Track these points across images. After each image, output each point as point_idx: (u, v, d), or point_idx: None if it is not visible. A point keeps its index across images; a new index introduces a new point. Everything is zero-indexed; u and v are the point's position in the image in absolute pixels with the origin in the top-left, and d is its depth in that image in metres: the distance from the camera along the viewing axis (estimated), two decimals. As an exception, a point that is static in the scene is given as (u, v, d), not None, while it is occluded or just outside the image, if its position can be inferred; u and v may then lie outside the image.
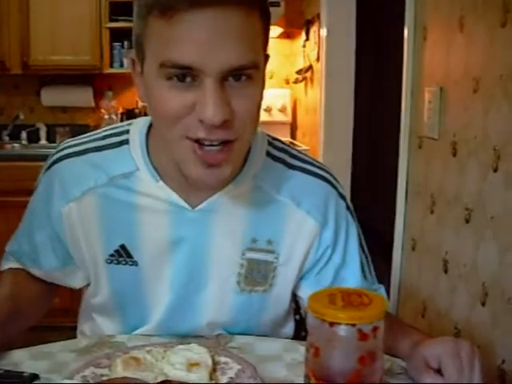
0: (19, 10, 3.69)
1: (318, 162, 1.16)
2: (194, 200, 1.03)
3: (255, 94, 0.89)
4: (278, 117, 4.00)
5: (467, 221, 1.65)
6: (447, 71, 1.82)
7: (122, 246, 1.06)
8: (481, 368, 0.88)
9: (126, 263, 1.07)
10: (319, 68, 3.24)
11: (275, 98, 4.03)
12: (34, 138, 4.04)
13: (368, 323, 0.76)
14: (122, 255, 1.06)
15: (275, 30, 3.88)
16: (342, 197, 1.14)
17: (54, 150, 1.14)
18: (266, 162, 1.07)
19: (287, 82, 4.19)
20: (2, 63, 3.74)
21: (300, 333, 1.42)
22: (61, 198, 1.07)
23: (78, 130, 3.93)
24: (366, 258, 1.17)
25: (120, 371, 0.90)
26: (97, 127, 3.97)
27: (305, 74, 3.62)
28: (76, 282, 1.17)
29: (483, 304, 1.55)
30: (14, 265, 1.18)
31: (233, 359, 0.97)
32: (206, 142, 0.88)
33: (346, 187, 3.04)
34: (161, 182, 1.03)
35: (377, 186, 4.13)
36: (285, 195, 1.07)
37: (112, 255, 1.07)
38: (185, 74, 0.84)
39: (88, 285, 1.17)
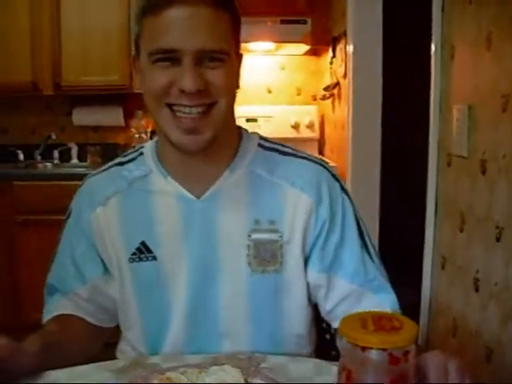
0: (51, 32, 3.78)
1: (311, 155, 1.25)
2: (198, 191, 1.15)
3: (227, 73, 1.05)
4: (305, 133, 4.01)
5: (498, 239, 1.65)
6: (475, 89, 1.82)
7: (143, 243, 1.16)
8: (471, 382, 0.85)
9: (147, 259, 1.16)
10: (346, 84, 3.25)
11: (303, 114, 4.05)
12: (65, 157, 4.12)
13: (399, 348, 0.77)
14: (143, 252, 1.16)
15: (302, 48, 3.91)
16: (336, 179, 1.21)
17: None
18: (258, 152, 1.19)
19: (314, 99, 4.20)
20: (35, 85, 3.82)
21: (330, 352, 1.43)
22: (89, 206, 1.20)
23: (109, 148, 4.02)
24: (366, 245, 1.20)
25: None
26: (127, 146, 4.06)
27: (332, 90, 3.63)
28: (111, 298, 1.23)
29: (515, 323, 1.54)
30: (63, 305, 1.23)
31: (266, 381, 0.98)
32: (187, 110, 1.04)
33: (375, 203, 3.08)
34: (169, 178, 1.16)
35: (406, 202, 4.11)
36: (278, 177, 1.17)
37: (134, 253, 1.17)
38: (168, 58, 1.02)
39: None
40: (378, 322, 0.80)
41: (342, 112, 3.46)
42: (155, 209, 1.17)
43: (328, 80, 3.77)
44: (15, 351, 0.97)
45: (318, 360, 1.15)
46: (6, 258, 3.55)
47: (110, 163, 1.25)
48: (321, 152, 4.11)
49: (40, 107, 4.18)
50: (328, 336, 1.45)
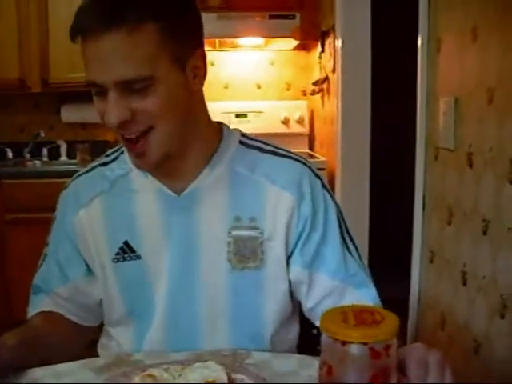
0: (39, 30, 3.76)
1: (292, 152, 1.24)
2: (178, 188, 1.14)
3: (159, 97, 1.00)
4: (295, 128, 4.01)
5: (485, 232, 1.64)
6: (462, 82, 1.81)
7: (126, 243, 1.16)
8: (452, 377, 0.84)
9: (131, 258, 1.16)
10: (335, 79, 3.25)
11: (292, 109, 4.05)
12: (54, 154, 4.11)
13: (380, 341, 0.76)
14: (127, 251, 1.16)
15: (291, 43, 3.90)
16: (317, 176, 1.20)
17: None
18: (239, 149, 1.18)
19: (304, 94, 4.19)
20: (23, 82, 3.81)
21: (316, 347, 1.42)
22: (72, 209, 1.20)
23: (98, 146, 4.00)
24: (347, 241, 1.20)
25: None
26: (116, 143, 4.01)
27: (321, 85, 3.62)
28: (94, 297, 1.24)
29: (502, 316, 1.54)
30: (45, 304, 1.23)
31: (249, 376, 0.98)
32: (127, 137, 1.04)
33: (364, 198, 3.08)
34: (150, 177, 1.15)
35: (395, 197, 4.12)
36: (259, 175, 1.16)
37: (117, 253, 1.16)
38: (99, 91, 1.01)
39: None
40: (359, 315, 0.79)
41: (331, 107, 3.45)
42: (137, 207, 1.16)
43: (317, 75, 3.76)
44: None
45: (302, 355, 1.14)
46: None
47: (94, 163, 1.25)
48: (311, 147, 4.11)
49: (28, 105, 4.17)
50: (315, 331, 1.45)
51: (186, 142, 1.11)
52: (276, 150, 1.21)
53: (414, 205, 2.16)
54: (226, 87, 4.19)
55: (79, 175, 1.25)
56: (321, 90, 3.69)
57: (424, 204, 2.12)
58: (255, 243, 1.14)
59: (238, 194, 1.15)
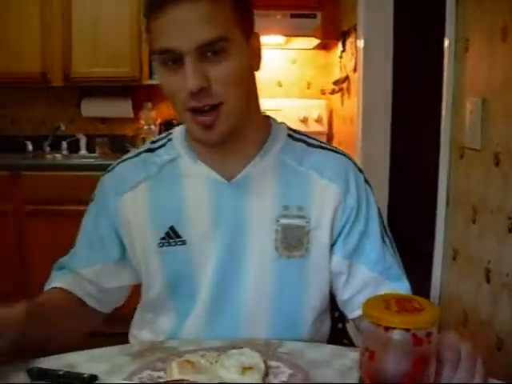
0: (62, 23, 3.80)
1: (335, 146, 1.28)
2: (228, 174, 1.16)
3: (232, 63, 1.04)
4: (314, 127, 4.01)
5: (510, 230, 1.65)
6: (490, 82, 1.82)
7: (172, 228, 1.17)
8: (483, 368, 0.86)
9: (176, 244, 1.17)
10: (356, 79, 3.25)
11: (312, 108, 4.06)
12: (74, 148, 4.13)
13: (422, 328, 0.78)
14: (172, 237, 1.17)
15: (311, 42, 3.91)
16: (360, 170, 1.24)
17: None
18: (287, 141, 1.21)
19: (323, 93, 4.20)
20: (44, 75, 3.84)
21: (342, 341, 1.44)
22: (116, 192, 1.21)
23: (117, 140, 4.03)
24: (384, 234, 1.22)
25: (176, 374, 0.93)
26: (135, 138, 4.07)
27: (341, 84, 3.63)
28: (120, 280, 1.26)
29: (527, 314, 1.55)
30: (63, 280, 1.24)
31: (284, 363, 0.99)
32: (197, 108, 1.05)
33: (384, 197, 3.08)
34: (199, 162, 1.18)
35: (415, 196, 4.11)
36: (308, 167, 1.19)
37: (163, 238, 1.17)
38: (172, 59, 1.03)
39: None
40: (401, 303, 0.81)
41: (351, 106, 3.46)
42: (184, 192, 1.18)
43: (337, 74, 3.77)
44: None
45: (334, 346, 1.16)
46: (16, 247, 3.56)
47: (140, 149, 1.26)
48: (329, 146, 4.11)
49: (49, 98, 4.20)
50: (340, 325, 1.47)
51: (245, 123, 1.14)
52: (321, 144, 1.25)
53: (437, 203, 2.16)
54: (247, 85, 4.20)
55: (124, 160, 1.26)
56: (341, 90, 3.70)
57: (447, 202, 2.12)
58: (302, 232, 1.17)
59: (287, 183, 1.17)
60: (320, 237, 1.18)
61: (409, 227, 3.87)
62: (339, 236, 1.19)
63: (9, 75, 3.77)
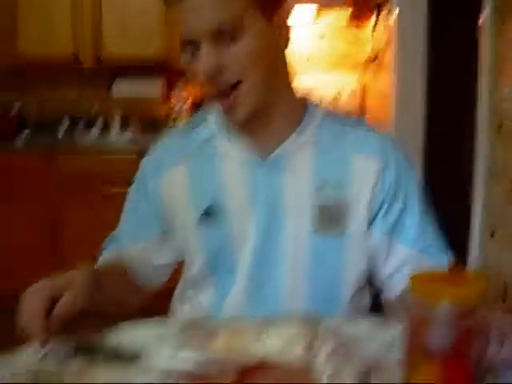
0: (92, 4, 3.81)
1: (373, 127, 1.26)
2: (263, 152, 1.17)
3: (248, 43, 1.04)
4: (346, 103, 4.00)
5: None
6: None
7: (210, 206, 1.18)
8: None
9: (215, 221, 1.18)
10: (390, 53, 3.21)
11: (344, 83, 4.05)
12: (106, 129, 4.16)
13: (469, 302, 0.77)
14: (211, 214, 1.18)
15: (342, 18, 3.87)
16: (400, 149, 1.22)
17: None
18: (324, 119, 1.20)
19: (355, 68, 4.16)
20: (76, 57, 3.87)
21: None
22: (158, 171, 1.24)
23: (149, 120, 4.05)
24: (425, 211, 1.20)
25: (222, 346, 0.94)
26: (167, 118, 4.08)
27: (374, 59, 3.59)
28: (165, 257, 1.29)
29: None
30: (112, 257, 1.27)
31: (326, 337, 0.99)
32: (218, 90, 1.07)
33: (417, 172, 3.05)
34: (233, 140, 1.19)
35: (451, 172, 4.06)
36: (345, 144, 1.18)
37: (202, 216, 1.19)
38: (193, 47, 1.05)
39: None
40: (449, 276, 0.80)
41: (384, 81, 3.43)
42: (221, 171, 1.19)
43: (369, 50, 3.73)
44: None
45: (374, 319, 1.15)
46: (50, 229, 3.62)
47: (178, 130, 1.31)
48: (361, 122, 4.08)
49: (81, 80, 4.23)
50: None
51: (273, 101, 1.14)
52: (358, 123, 1.23)
53: (475, 176, 2.13)
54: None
55: (163, 141, 1.29)
56: (374, 63, 3.66)
57: (485, 178, 2.10)
58: (340, 209, 1.16)
59: (324, 161, 1.17)
60: (358, 214, 1.17)
61: (445, 201, 3.83)
62: (378, 213, 1.18)
63: (41, 57, 3.82)
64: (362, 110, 4.10)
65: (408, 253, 1.18)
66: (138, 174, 1.29)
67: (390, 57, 3.22)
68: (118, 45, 3.82)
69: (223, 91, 1.07)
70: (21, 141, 3.93)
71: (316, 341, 0.98)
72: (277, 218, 1.17)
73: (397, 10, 3.08)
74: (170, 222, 1.24)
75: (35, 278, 1.00)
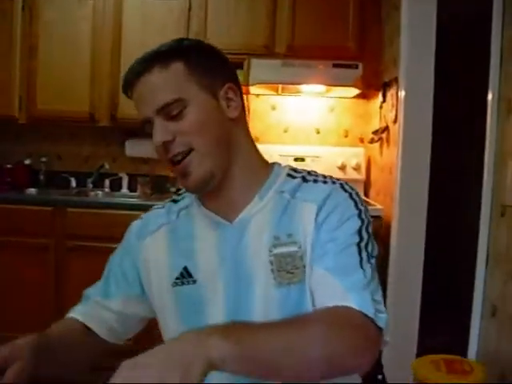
0: (111, 65, 3.95)
1: (335, 178, 1.29)
2: (230, 217, 1.25)
3: (192, 117, 1.17)
4: (351, 175, 4.06)
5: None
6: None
7: (185, 268, 1.26)
8: None
9: (188, 283, 1.25)
10: (396, 129, 3.30)
11: (350, 156, 4.12)
12: (116, 186, 4.25)
13: (470, 391, 0.81)
14: (185, 276, 1.26)
15: (352, 91, 3.98)
16: (352, 198, 1.22)
17: None
18: (286, 180, 1.27)
19: (362, 141, 4.26)
20: (92, 116, 3.98)
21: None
22: (141, 235, 1.34)
23: (158, 180, 4.12)
24: (358, 251, 1.17)
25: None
26: (176, 179, 4.12)
27: (381, 134, 3.69)
28: (143, 311, 1.35)
29: None
30: (78, 312, 1.33)
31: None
32: (172, 160, 1.18)
33: (419, 247, 3.09)
34: (203, 208, 1.28)
35: (454, 250, 4.10)
36: (298, 198, 1.23)
37: (177, 278, 1.26)
38: (149, 126, 1.19)
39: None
40: (450, 364, 0.84)
41: (390, 156, 3.50)
42: (195, 236, 1.28)
43: (376, 123, 3.83)
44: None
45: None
46: (55, 282, 3.65)
47: (166, 201, 1.38)
48: (366, 194, 4.15)
49: (95, 137, 4.34)
50: (380, 377, 1.49)
51: (231, 169, 1.23)
52: (317, 177, 1.27)
53: (477, 258, 2.18)
54: (286, 131, 4.29)
55: (152, 210, 1.39)
56: (380, 139, 3.75)
57: (487, 259, 2.13)
58: (295, 257, 1.19)
59: (279, 215, 1.22)
60: (308, 258, 1.19)
61: (444, 279, 3.86)
62: (313, 251, 1.19)
63: (59, 114, 3.93)
64: (366, 183, 4.17)
65: (321, 273, 1.16)
66: (125, 235, 1.38)
67: (396, 132, 3.31)
68: (133, 106, 3.91)
69: (176, 160, 1.18)
70: (32, 192, 4.03)
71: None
72: (244, 278, 1.21)
73: (404, 90, 3.19)
74: (147, 283, 1.31)
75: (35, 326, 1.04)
